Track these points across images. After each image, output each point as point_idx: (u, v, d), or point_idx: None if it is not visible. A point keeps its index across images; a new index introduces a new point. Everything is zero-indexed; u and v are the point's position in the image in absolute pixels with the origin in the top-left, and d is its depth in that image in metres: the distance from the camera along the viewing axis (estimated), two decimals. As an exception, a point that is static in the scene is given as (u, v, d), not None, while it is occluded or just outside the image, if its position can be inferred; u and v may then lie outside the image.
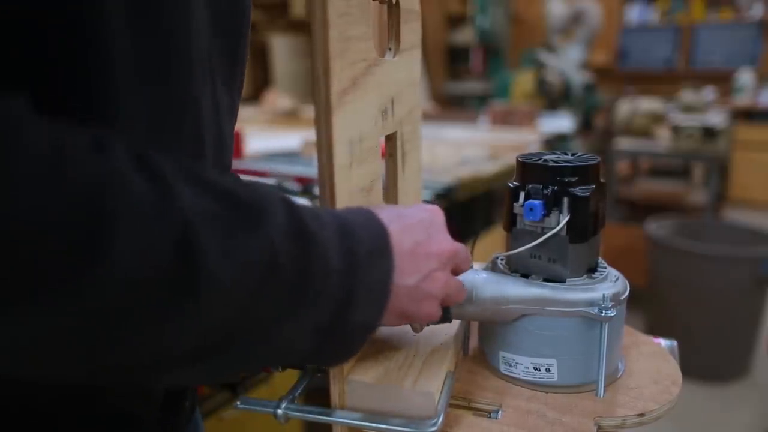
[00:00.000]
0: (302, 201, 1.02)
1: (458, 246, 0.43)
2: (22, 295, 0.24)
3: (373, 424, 0.42)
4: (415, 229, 0.41)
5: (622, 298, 0.50)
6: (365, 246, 0.36)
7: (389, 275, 0.37)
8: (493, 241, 1.67)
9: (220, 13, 0.41)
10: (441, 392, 0.46)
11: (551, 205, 0.48)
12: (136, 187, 0.26)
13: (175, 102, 0.37)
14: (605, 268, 0.53)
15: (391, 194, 0.58)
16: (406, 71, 0.57)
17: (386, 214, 0.40)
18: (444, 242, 0.42)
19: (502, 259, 0.54)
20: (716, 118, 2.69)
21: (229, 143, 0.47)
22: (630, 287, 0.52)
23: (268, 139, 2.02)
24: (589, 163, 0.49)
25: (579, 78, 3.17)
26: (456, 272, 0.45)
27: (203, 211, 0.28)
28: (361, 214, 0.39)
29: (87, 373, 0.29)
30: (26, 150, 0.24)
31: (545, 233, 0.49)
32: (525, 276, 0.51)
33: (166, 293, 0.27)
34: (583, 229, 0.49)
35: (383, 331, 0.53)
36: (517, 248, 0.50)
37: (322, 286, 0.34)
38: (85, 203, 0.24)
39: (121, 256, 0.25)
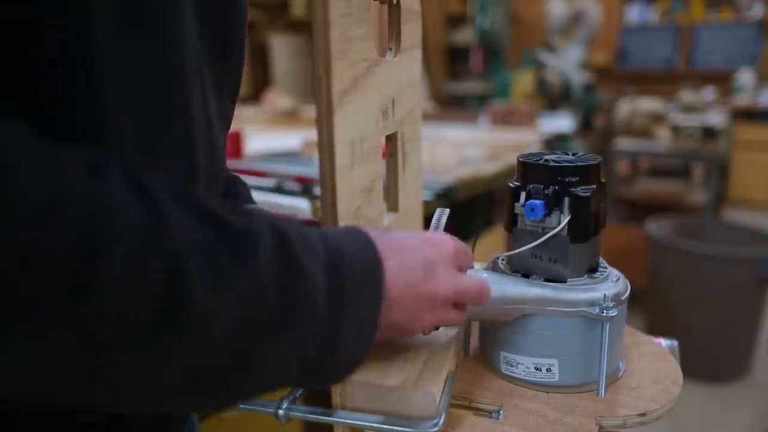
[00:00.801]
0: (302, 201, 1.02)
1: (460, 287, 0.42)
2: (9, 324, 0.24)
3: (375, 425, 0.42)
4: (414, 267, 0.39)
5: (623, 298, 0.50)
6: (355, 279, 0.35)
7: (377, 310, 0.36)
8: (493, 241, 1.67)
9: (211, 21, 0.41)
10: (442, 392, 0.46)
11: (552, 205, 0.48)
12: (129, 217, 0.26)
13: (166, 109, 0.36)
14: (606, 268, 0.53)
15: (391, 194, 0.58)
16: (406, 71, 0.57)
17: (386, 244, 0.38)
18: (441, 284, 0.40)
19: (502, 259, 0.54)
20: (716, 118, 2.69)
21: (221, 148, 0.47)
22: (630, 287, 0.52)
23: (268, 139, 2.02)
24: (590, 163, 0.49)
25: (579, 78, 3.17)
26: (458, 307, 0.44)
27: (194, 241, 0.28)
28: (357, 242, 0.37)
29: (70, 399, 0.29)
30: (24, 178, 0.24)
31: (546, 233, 0.49)
32: (526, 276, 0.51)
33: (152, 325, 0.27)
34: (584, 229, 0.49)
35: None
36: (518, 248, 0.50)
37: (307, 320, 0.33)
38: (78, 233, 0.24)
39: (111, 288, 0.25)
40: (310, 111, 2.83)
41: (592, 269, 0.52)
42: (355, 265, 0.36)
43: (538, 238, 0.49)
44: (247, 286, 0.30)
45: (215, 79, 0.44)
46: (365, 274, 0.36)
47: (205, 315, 0.28)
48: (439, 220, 0.50)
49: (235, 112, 0.50)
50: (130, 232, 0.26)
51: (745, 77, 4.57)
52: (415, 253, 0.40)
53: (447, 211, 0.52)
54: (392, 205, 0.58)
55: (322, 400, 0.44)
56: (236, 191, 0.59)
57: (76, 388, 0.28)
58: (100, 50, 0.31)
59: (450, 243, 0.42)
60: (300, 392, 0.45)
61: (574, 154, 0.52)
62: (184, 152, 0.39)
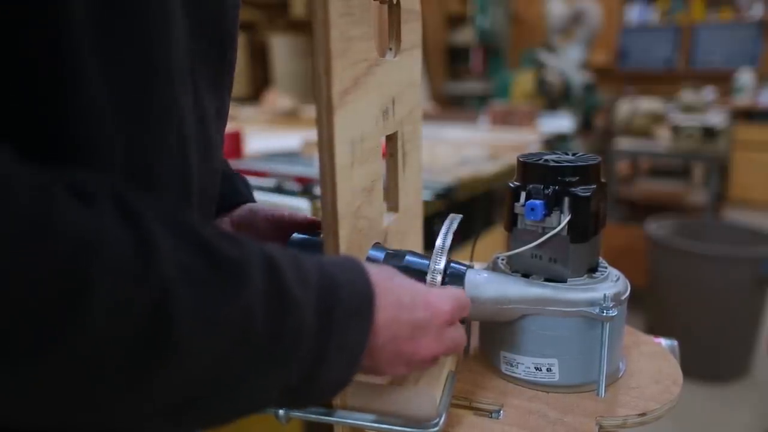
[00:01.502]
0: (302, 201, 1.02)
1: (440, 351, 0.41)
2: None
3: (375, 425, 0.42)
4: (403, 325, 0.38)
5: (623, 297, 0.50)
6: (346, 309, 0.35)
7: (365, 341, 0.36)
8: (493, 241, 1.67)
9: (203, 20, 0.41)
10: (442, 392, 0.46)
11: (552, 204, 0.48)
12: (118, 246, 0.26)
13: (155, 110, 0.36)
14: (606, 268, 0.53)
15: (391, 194, 0.58)
16: (406, 71, 0.57)
17: (384, 292, 0.37)
18: (423, 348, 0.39)
19: (502, 259, 0.54)
20: (716, 118, 2.69)
21: (217, 148, 0.46)
22: (630, 287, 0.52)
23: (268, 139, 2.02)
24: (590, 163, 0.49)
25: (579, 78, 3.17)
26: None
27: (184, 271, 0.28)
28: (353, 273, 0.37)
29: (56, 424, 0.29)
30: (13, 205, 0.23)
31: (546, 233, 0.49)
32: (526, 276, 0.51)
33: (137, 357, 0.27)
34: (584, 228, 0.49)
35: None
36: (518, 248, 0.50)
37: (295, 351, 0.33)
38: (64, 265, 0.24)
39: (97, 321, 0.25)
40: (310, 111, 2.83)
41: (592, 269, 0.52)
42: (349, 297, 0.35)
43: (538, 238, 0.49)
44: (236, 317, 0.30)
45: (212, 78, 0.44)
46: (357, 306, 0.36)
47: (192, 347, 0.28)
48: (449, 227, 0.50)
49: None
50: (118, 263, 0.26)
51: (745, 77, 4.56)
52: (408, 311, 0.38)
53: (459, 217, 0.51)
54: (392, 205, 0.58)
55: (322, 400, 0.44)
56: (236, 188, 0.59)
57: (61, 414, 0.28)
58: (79, 55, 0.30)
59: (446, 305, 0.41)
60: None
61: (574, 154, 0.52)
62: (175, 153, 0.38)
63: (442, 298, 0.41)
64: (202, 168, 0.43)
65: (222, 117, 0.47)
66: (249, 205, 0.59)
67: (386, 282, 0.38)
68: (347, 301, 0.35)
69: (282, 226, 0.55)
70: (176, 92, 0.37)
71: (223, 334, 0.30)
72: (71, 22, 0.30)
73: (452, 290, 0.43)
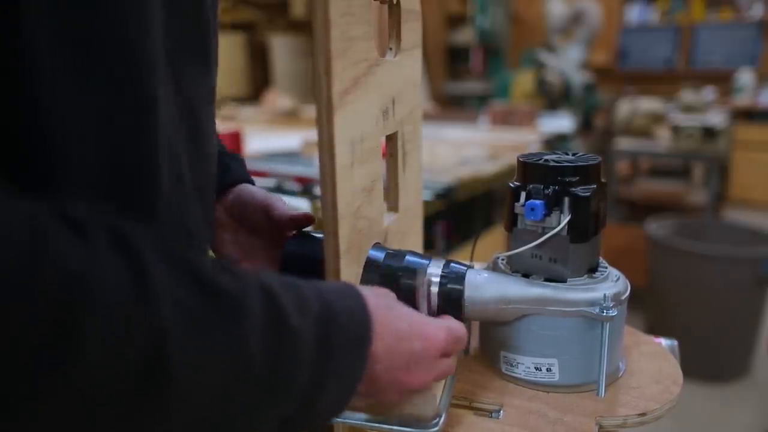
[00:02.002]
0: (302, 201, 1.02)
1: (431, 379, 0.41)
2: None
3: (375, 424, 0.42)
4: (399, 355, 0.38)
5: (623, 297, 0.50)
6: (344, 337, 0.35)
7: (362, 368, 0.36)
8: (493, 241, 1.67)
9: (181, 9, 0.40)
10: (442, 392, 0.46)
11: (552, 204, 0.48)
12: (113, 282, 0.25)
13: (132, 104, 0.35)
14: (606, 267, 0.53)
15: (391, 194, 0.58)
16: (406, 71, 0.57)
17: (382, 321, 0.38)
18: (417, 379, 0.40)
19: (503, 259, 0.54)
20: (716, 118, 2.69)
21: (208, 134, 0.46)
22: (630, 287, 0.52)
23: (268, 139, 2.02)
24: (590, 163, 0.49)
25: (579, 78, 3.17)
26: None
27: (180, 307, 0.28)
28: (351, 301, 0.37)
29: None
30: (5, 239, 0.23)
31: (546, 233, 0.49)
32: (526, 276, 0.51)
33: (134, 395, 0.26)
34: (584, 228, 0.49)
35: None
36: (518, 248, 0.50)
37: (293, 383, 0.33)
38: (57, 302, 0.23)
39: (90, 358, 0.24)
40: (310, 111, 2.83)
41: (592, 269, 0.52)
42: (348, 325, 0.35)
43: (538, 238, 0.49)
44: (235, 354, 0.30)
45: (198, 67, 0.43)
46: (355, 335, 0.36)
47: (190, 387, 0.28)
48: None
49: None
50: (112, 299, 0.25)
51: (745, 77, 4.56)
52: (404, 343, 0.39)
53: None
54: (392, 205, 0.58)
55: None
56: (228, 168, 0.58)
57: None
58: (40, 47, 0.30)
59: (441, 337, 0.40)
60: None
61: (574, 154, 0.52)
62: (158, 143, 0.37)
63: (439, 329, 0.41)
64: (193, 156, 0.42)
65: (210, 101, 0.46)
66: (243, 188, 0.58)
67: (384, 311, 0.38)
68: (346, 330, 0.35)
69: (274, 218, 0.55)
70: (154, 84, 0.36)
71: (222, 372, 0.29)
72: (29, 10, 0.29)
73: (449, 321, 0.43)
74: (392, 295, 0.42)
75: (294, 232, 0.56)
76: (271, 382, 0.32)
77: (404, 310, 0.41)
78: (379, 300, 0.39)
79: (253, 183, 0.60)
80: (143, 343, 0.26)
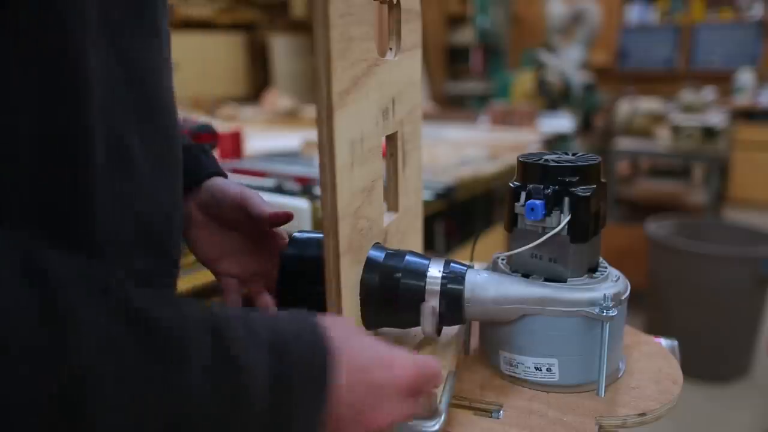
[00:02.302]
0: (302, 201, 1.02)
1: (396, 420, 0.37)
2: None
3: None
4: (360, 389, 0.35)
5: (623, 297, 0.50)
6: (301, 378, 0.32)
7: (322, 407, 0.33)
8: (493, 241, 1.67)
9: None
10: (442, 392, 0.46)
11: (552, 204, 0.48)
12: (21, 322, 0.23)
13: (59, 75, 0.32)
14: (606, 267, 0.53)
15: (391, 194, 0.58)
16: (406, 71, 0.57)
17: (348, 359, 0.34)
18: (379, 419, 0.36)
19: (503, 259, 0.54)
20: (716, 118, 2.69)
21: (164, 104, 0.43)
22: (630, 287, 0.52)
23: (268, 139, 2.02)
24: (590, 163, 0.49)
25: (579, 78, 3.17)
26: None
27: (105, 348, 0.25)
28: (308, 337, 0.34)
29: None
30: None
31: (546, 233, 0.49)
32: (526, 276, 0.51)
33: None
34: (584, 228, 0.49)
35: (385, 331, 0.53)
36: (518, 248, 0.51)
37: (247, 423, 0.30)
38: None
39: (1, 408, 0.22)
40: (310, 111, 2.83)
41: (592, 269, 0.52)
42: (306, 360, 0.32)
43: (538, 238, 0.49)
44: (173, 400, 0.27)
45: (147, 39, 0.41)
46: (314, 371, 0.33)
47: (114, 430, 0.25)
48: None
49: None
50: (20, 341, 0.23)
51: (745, 77, 4.56)
52: (367, 374, 0.35)
53: None
54: (392, 205, 0.58)
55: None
56: (198, 162, 0.54)
57: None
58: None
59: (408, 370, 0.37)
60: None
61: (574, 154, 0.52)
62: (95, 118, 0.35)
63: (406, 361, 0.37)
64: (146, 127, 0.40)
65: (165, 73, 0.44)
66: (215, 182, 0.54)
67: (345, 342, 0.35)
68: (305, 364, 0.32)
69: (254, 215, 0.52)
70: (84, 49, 0.33)
71: (158, 419, 0.26)
72: None
73: (423, 357, 0.39)
74: (353, 324, 0.39)
75: (278, 229, 0.53)
76: (222, 425, 0.29)
77: (367, 339, 0.37)
78: (339, 329, 0.36)
79: (225, 176, 0.56)
80: (55, 390, 0.23)
